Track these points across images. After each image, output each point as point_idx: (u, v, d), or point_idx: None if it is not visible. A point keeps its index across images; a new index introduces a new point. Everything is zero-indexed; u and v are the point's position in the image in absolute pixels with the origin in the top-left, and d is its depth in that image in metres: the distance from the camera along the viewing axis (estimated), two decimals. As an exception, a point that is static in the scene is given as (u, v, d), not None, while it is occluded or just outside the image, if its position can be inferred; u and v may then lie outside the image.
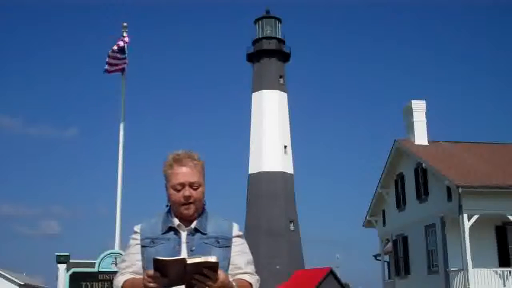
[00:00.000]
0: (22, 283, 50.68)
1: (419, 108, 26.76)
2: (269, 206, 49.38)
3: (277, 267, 46.81)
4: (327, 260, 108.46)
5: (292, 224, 50.49)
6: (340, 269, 48.62)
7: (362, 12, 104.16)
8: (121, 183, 13.39)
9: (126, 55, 13.95)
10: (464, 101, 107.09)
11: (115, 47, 13.84)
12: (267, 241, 48.07)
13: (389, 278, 30.37)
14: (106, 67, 13.96)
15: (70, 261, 10.96)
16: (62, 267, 10.75)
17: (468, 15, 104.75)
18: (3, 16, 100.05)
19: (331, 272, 42.60)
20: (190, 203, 2.71)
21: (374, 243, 32.01)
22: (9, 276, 49.99)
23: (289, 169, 52.12)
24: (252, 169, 51.96)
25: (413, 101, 26.79)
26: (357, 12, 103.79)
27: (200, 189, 2.74)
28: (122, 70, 14.07)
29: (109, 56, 13.90)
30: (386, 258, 31.11)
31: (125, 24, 14.38)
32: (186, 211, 2.71)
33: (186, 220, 2.75)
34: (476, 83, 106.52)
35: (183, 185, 2.70)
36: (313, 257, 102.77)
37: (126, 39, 13.96)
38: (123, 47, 13.87)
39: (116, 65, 13.94)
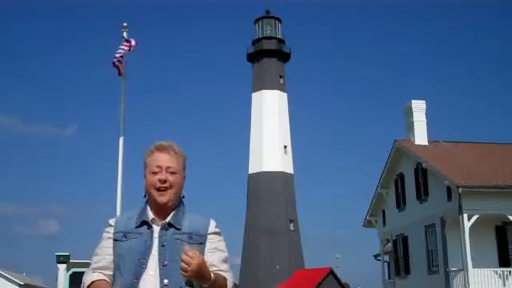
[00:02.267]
0: (22, 283, 50.65)
1: (419, 108, 26.75)
2: (269, 206, 49.34)
3: (277, 267, 46.79)
4: (327, 260, 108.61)
5: (292, 224, 50.46)
6: (340, 269, 48.74)
7: (362, 12, 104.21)
8: (121, 183, 13.39)
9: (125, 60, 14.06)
10: (464, 101, 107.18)
11: (123, 48, 13.93)
12: (267, 241, 48.05)
13: (389, 278, 30.36)
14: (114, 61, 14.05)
15: (70, 261, 10.96)
16: (62, 267, 10.74)
17: (468, 15, 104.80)
18: (1, 15, 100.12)
19: (331, 272, 42.57)
20: (166, 188, 2.66)
21: (374, 243, 32.05)
22: (9, 276, 49.97)
23: (289, 169, 52.09)
24: (252, 169, 51.93)
25: (413, 101, 26.78)
26: (357, 12, 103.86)
27: (177, 176, 2.70)
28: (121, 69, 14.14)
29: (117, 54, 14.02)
30: (386, 258, 31.10)
31: (125, 24, 14.38)
32: (160, 197, 2.66)
33: (161, 215, 2.69)
34: (476, 83, 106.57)
35: (160, 167, 2.68)
36: (313, 257, 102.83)
37: (133, 43, 14.07)
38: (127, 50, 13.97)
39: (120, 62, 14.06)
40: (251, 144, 52.77)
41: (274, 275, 45.81)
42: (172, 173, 2.69)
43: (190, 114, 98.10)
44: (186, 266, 2.42)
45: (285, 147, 52.13)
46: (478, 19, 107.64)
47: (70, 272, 10.65)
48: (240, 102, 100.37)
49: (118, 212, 13.16)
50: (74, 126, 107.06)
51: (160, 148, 2.73)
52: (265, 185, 50.29)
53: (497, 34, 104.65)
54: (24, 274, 56.89)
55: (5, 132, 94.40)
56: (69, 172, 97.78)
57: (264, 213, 49.23)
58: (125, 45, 13.95)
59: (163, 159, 2.70)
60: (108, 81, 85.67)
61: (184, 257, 2.42)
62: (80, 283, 2.73)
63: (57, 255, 10.98)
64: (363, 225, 30.93)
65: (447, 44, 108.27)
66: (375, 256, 32.28)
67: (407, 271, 26.89)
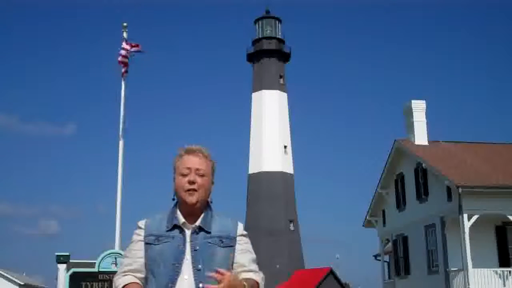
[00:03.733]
0: (22, 283, 50.66)
1: (419, 108, 26.74)
2: (269, 206, 49.36)
3: (277, 267, 46.80)
4: (327, 260, 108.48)
5: (292, 224, 50.48)
6: (340, 269, 48.73)
7: (362, 12, 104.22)
8: (121, 182, 13.41)
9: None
10: (464, 101, 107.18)
11: (126, 48, 14.01)
12: (267, 241, 48.05)
13: (389, 278, 30.36)
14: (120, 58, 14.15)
15: (70, 261, 10.96)
16: (62, 267, 10.75)
17: (468, 15, 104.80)
18: (1, 14, 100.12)
19: (331, 272, 42.58)
20: (194, 190, 2.69)
21: (374, 243, 32.05)
22: (9, 276, 49.97)
23: (289, 169, 52.10)
24: (252, 169, 51.95)
25: (413, 101, 26.77)
26: (357, 12, 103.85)
27: (206, 178, 2.74)
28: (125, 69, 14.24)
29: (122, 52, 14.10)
30: (386, 258, 31.11)
31: (125, 24, 14.42)
32: (190, 197, 2.68)
33: (191, 218, 2.72)
34: (476, 83, 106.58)
35: (189, 169, 2.71)
36: (313, 257, 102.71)
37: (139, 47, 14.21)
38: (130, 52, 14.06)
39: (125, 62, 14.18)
40: (251, 144, 52.79)
41: (274, 275, 45.79)
42: (201, 175, 2.72)
43: (190, 114, 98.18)
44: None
45: (285, 147, 52.15)
46: (478, 19, 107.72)
47: (70, 272, 10.64)
48: (240, 102, 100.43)
49: (118, 212, 13.17)
50: (73, 125, 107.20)
51: (190, 151, 2.77)
52: (265, 185, 50.30)
53: (497, 34, 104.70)
54: (24, 274, 56.91)
55: (4, 131, 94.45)
56: (69, 171, 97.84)
57: (264, 213, 49.25)
58: (128, 46, 14.02)
59: (193, 161, 2.73)
60: (108, 80, 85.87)
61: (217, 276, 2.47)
62: (80, 283, 2.73)
63: (57, 255, 10.98)
64: (363, 225, 30.93)
65: (447, 44, 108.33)
66: (375, 256, 32.29)
67: (407, 271, 26.89)
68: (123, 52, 14.09)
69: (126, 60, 14.18)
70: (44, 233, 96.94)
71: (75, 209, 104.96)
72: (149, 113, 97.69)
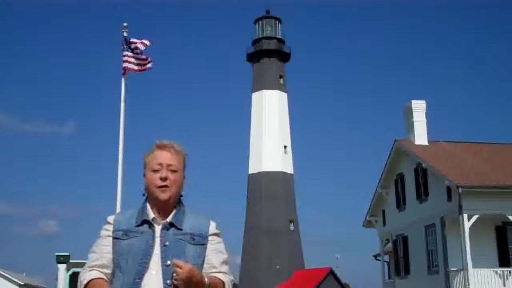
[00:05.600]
0: (22, 283, 50.65)
1: (419, 108, 26.74)
2: (269, 206, 49.36)
3: (277, 267, 46.81)
4: (327, 260, 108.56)
5: (292, 224, 50.47)
6: (340, 269, 48.69)
7: (362, 12, 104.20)
8: (121, 182, 13.40)
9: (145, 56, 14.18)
10: (464, 101, 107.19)
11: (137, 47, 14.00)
12: (267, 241, 48.07)
13: (389, 278, 30.36)
14: (132, 66, 14.11)
15: (70, 261, 10.96)
16: (62, 267, 10.75)
17: (468, 15, 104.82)
18: (1, 13, 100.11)
19: (331, 272, 42.58)
20: (167, 186, 2.65)
21: (374, 243, 32.04)
22: (9, 276, 49.96)
23: (289, 169, 52.10)
24: (252, 169, 51.95)
25: (413, 101, 26.77)
26: (357, 12, 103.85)
27: (178, 174, 2.69)
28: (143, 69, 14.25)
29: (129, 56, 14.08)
30: (386, 258, 31.10)
31: (125, 24, 14.41)
32: (162, 194, 2.64)
33: (162, 214, 2.68)
34: (476, 83, 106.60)
35: (161, 165, 2.67)
36: (313, 257, 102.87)
37: (147, 42, 14.18)
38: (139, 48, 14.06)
39: (139, 64, 14.17)
40: (251, 144, 52.79)
41: (274, 275, 45.81)
42: (173, 171, 2.68)
43: (190, 114, 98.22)
44: (176, 275, 2.44)
45: (285, 147, 52.15)
46: (478, 19, 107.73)
47: (70, 272, 10.66)
48: (240, 102, 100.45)
49: (118, 211, 13.18)
50: (73, 124, 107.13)
51: (161, 146, 2.72)
52: (265, 185, 50.30)
53: (497, 34, 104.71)
54: (24, 274, 56.90)
55: (3, 131, 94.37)
56: (68, 171, 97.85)
57: (264, 213, 49.25)
58: (135, 45, 13.99)
59: (164, 157, 2.69)
60: (108, 79, 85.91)
61: (175, 269, 2.44)
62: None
63: (57, 255, 10.98)
64: (363, 225, 30.93)
65: (447, 44, 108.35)
66: (375, 256, 32.29)
67: (407, 271, 26.88)
68: (128, 58, 14.05)
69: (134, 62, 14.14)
70: (44, 233, 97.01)
71: (75, 209, 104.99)
72: (149, 112, 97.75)
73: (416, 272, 25.89)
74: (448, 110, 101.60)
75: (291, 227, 50.32)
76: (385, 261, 31.02)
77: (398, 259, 27.84)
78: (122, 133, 13.91)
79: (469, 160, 24.72)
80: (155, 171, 2.67)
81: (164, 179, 2.65)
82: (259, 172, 50.97)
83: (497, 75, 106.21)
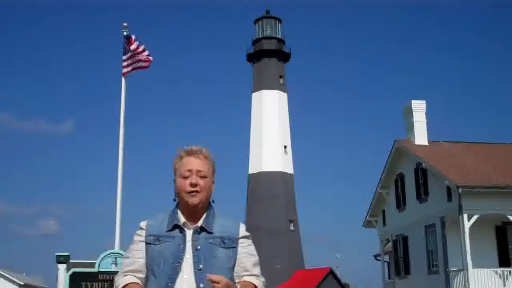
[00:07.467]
0: (22, 283, 50.68)
1: (419, 108, 26.75)
2: (269, 206, 49.36)
3: (277, 267, 46.79)
4: (327, 260, 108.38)
5: (292, 224, 50.47)
6: (340, 269, 48.61)
7: (362, 12, 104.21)
8: (121, 182, 13.39)
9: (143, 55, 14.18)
10: (464, 101, 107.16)
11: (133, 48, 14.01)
12: (267, 241, 48.04)
13: (389, 278, 30.37)
14: (128, 69, 14.13)
15: (70, 261, 10.96)
16: (62, 267, 10.74)
17: (468, 15, 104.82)
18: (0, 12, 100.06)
19: (331, 272, 42.60)
20: (196, 191, 2.70)
21: (374, 243, 32.05)
22: (9, 276, 49.99)
23: (289, 169, 52.10)
24: (252, 169, 51.95)
25: (413, 101, 26.78)
26: (357, 12, 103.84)
27: (207, 180, 2.75)
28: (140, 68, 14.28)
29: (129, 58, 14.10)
30: (386, 258, 31.10)
31: (125, 24, 14.41)
32: (192, 198, 2.69)
33: (192, 218, 2.72)
34: (476, 83, 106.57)
35: (190, 171, 2.71)
36: (313, 257, 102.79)
37: (151, 58, 14.23)
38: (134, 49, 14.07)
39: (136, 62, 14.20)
40: (251, 144, 52.79)
41: (274, 275, 45.79)
42: (203, 177, 2.73)
43: (190, 114, 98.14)
44: None
45: (285, 147, 52.15)
46: (478, 19, 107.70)
47: (70, 272, 10.64)
48: (240, 102, 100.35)
49: (118, 212, 13.16)
50: (72, 123, 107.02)
51: (190, 153, 2.77)
52: (265, 185, 50.30)
53: (497, 34, 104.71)
54: (24, 274, 56.93)
55: (1, 129, 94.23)
56: (68, 171, 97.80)
57: (264, 213, 49.25)
58: (132, 48, 14.00)
59: (194, 163, 2.74)
60: (107, 79, 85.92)
61: (213, 284, 2.50)
62: (80, 283, 2.73)
63: (57, 255, 10.97)
64: (363, 225, 30.94)
65: (447, 44, 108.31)
66: (375, 256, 32.29)
67: (407, 271, 26.89)
68: (127, 62, 14.08)
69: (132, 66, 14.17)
70: (44, 233, 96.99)
71: (75, 209, 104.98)
72: (149, 112, 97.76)
73: (416, 272, 25.90)
74: (448, 110, 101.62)
75: (291, 227, 50.32)
76: (385, 261, 31.02)
77: (398, 259, 27.85)
78: (122, 132, 13.90)
79: (469, 160, 24.72)
80: (185, 177, 2.71)
81: (194, 185, 2.70)
82: (259, 172, 50.97)
83: (497, 75, 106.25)
